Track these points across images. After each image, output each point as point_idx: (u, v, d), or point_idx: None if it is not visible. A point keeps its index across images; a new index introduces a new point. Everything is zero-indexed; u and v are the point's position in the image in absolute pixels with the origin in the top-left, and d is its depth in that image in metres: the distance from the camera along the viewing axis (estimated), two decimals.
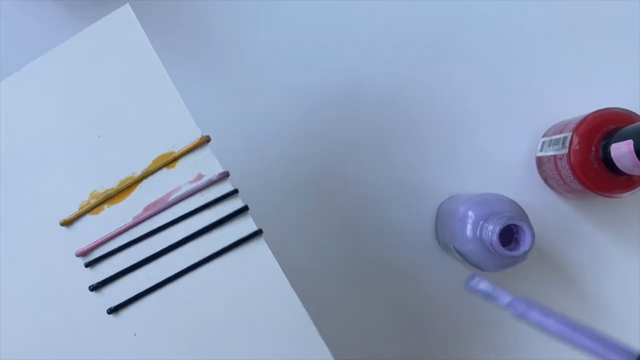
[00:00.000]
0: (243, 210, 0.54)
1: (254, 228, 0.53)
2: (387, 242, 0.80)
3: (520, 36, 0.82)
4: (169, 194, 0.55)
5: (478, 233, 0.67)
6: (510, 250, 0.64)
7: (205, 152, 0.55)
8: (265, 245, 0.53)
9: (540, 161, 0.79)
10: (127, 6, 0.57)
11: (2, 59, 0.83)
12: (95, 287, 0.54)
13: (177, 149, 0.55)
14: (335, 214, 0.81)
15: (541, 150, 0.78)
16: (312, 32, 0.84)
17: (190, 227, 0.54)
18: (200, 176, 0.54)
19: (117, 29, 0.57)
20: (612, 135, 0.66)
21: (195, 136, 0.55)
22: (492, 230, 0.64)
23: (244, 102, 0.83)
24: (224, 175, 0.54)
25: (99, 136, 0.56)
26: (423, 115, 0.82)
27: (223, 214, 0.54)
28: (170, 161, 0.55)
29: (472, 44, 0.82)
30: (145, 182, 0.55)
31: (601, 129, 0.68)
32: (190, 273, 0.54)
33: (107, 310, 0.54)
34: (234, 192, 0.54)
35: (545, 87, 0.81)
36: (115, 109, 0.56)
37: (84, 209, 0.55)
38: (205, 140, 0.55)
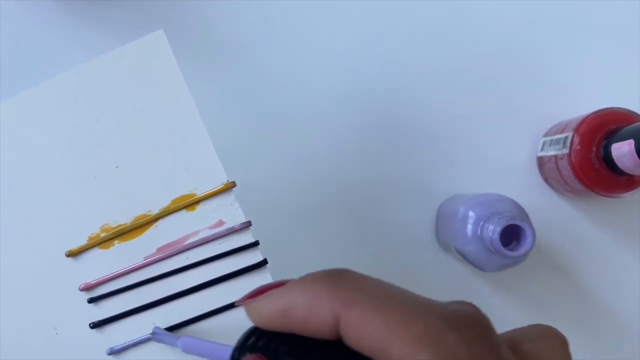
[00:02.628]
0: (262, 264, 0.51)
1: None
2: (387, 242, 0.80)
3: (521, 36, 0.81)
4: (185, 237, 0.52)
5: (479, 233, 0.67)
6: (511, 250, 0.64)
7: (228, 198, 0.52)
8: None
9: (541, 161, 0.78)
10: (161, 32, 0.52)
11: (2, 59, 0.80)
12: (96, 325, 0.52)
13: (200, 191, 0.52)
14: (335, 213, 0.80)
15: (542, 150, 0.77)
16: (314, 36, 0.82)
17: (204, 275, 0.52)
18: (220, 222, 0.52)
19: (148, 54, 0.53)
20: (613, 135, 0.66)
21: (220, 180, 0.52)
22: (493, 231, 0.64)
23: (245, 100, 0.81)
24: (246, 225, 0.51)
25: (117, 167, 0.52)
26: (423, 116, 0.81)
27: (240, 266, 0.51)
28: (191, 203, 0.52)
29: (472, 44, 0.81)
30: (161, 221, 0.52)
31: (602, 129, 0.67)
32: (199, 322, 0.51)
33: (107, 351, 0.51)
34: (254, 244, 0.51)
35: (546, 86, 0.80)
36: (138, 140, 0.53)
37: (93, 241, 0.52)
38: (230, 186, 0.51)
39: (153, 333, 0.50)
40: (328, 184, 0.80)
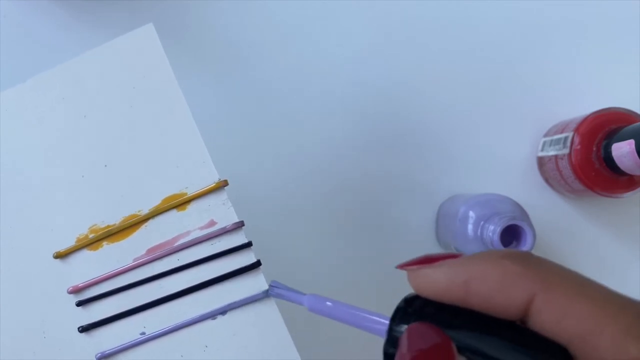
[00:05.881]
0: (255, 265, 0.49)
1: (265, 286, 0.49)
2: (387, 242, 0.79)
3: (521, 36, 0.81)
4: (176, 238, 0.50)
5: (479, 233, 0.66)
6: None
7: (220, 197, 0.50)
8: (275, 307, 0.49)
9: (541, 161, 0.78)
10: (151, 26, 0.51)
11: (2, 59, 0.80)
12: (85, 329, 0.50)
13: (191, 190, 0.51)
14: (335, 214, 0.80)
15: (542, 150, 0.77)
16: (311, 33, 0.82)
17: (195, 277, 0.50)
18: (212, 222, 0.50)
19: (137, 49, 0.52)
20: (613, 135, 0.66)
21: (212, 179, 0.50)
22: (493, 231, 0.63)
23: (237, 97, 0.81)
24: (239, 225, 0.50)
25: (106, 165, 0.51)
26: (424, 115, 0.80)
27: (233, 267, 0.50)
28: (182, 203, 0.50)
29: (473, 44, 0.81)
30: (151, 222, 0.51)
31: (602, 129, 0.68)
32: (190, 326, 0.50)
33: (97, 356, 0.50)
34: (247, 245, 0.50)
35: (546, 86, 0.80)
36: (127, 137, 0.52)
37: (81, 243, 0.51)
38: (222, 185, 0.50)
39: (270, 287, 0.48)
40: (327, 184, 0.80)
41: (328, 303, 0.40)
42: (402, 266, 0.32)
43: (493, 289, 0.28)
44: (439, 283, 0.29)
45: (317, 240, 0.79)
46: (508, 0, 0.80)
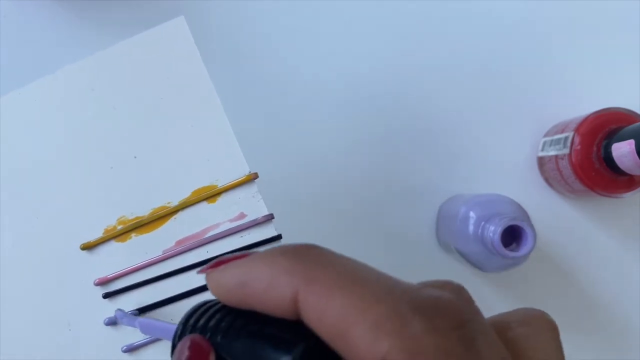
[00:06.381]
0: None
1: None
2: (388, 242, 0.79)
3: (521, 36, 0.81)
4: (205, 230, 0.50)
5: (479, 234, 0.66)
6: (511, 251, 0.63)
7: (251, 190, 0.50)
8: None
9: (541, 161, 0.78)
10: (182, 18, 0.51)
11: (2, 59, 0.79)
12: (112, 322, 0.50)
13: (221, 183, 0.51)
14: (335, 213, 0.79)
15: (542, 150, 0.77)
16: (318, 38, 0.82)
17: None
18: (242, 215, 0.50)
19: (168, 41, 0.52)
20: (613, 135, 0.66)
21: (242, 172, 0.50)
22: (493, 231, 0.63)
23: (266, 92, 0.80)
24: (269, 218, 0.50)
25: (135, 157, 0.51)
26: (424, 116, 0.80)
27: None
28: (212, 195, 0.50)
29: (473, 45, 0.81)
30: (180, 214, 0.50)
31: (602, 129, 0.67)
32: None
33: (123, 349, 0.49)
34: (276, 238, 0.50)
35: (546, 86, 0.80)
36: (157, 129, 0.51)
37: (109, 234, 0.50)
38: (252, 178, 0.50)
39: (115, 317, 0.49)
40: (326, 184, 0.79)
41: (150, 322, 0.44)
42: (201, 271, 0.31)
43: (264, 288, 0.26)
44: (222, 285, 0.28)
45: (317, 240, 0.78)
46: (508, 1, 0.81)
